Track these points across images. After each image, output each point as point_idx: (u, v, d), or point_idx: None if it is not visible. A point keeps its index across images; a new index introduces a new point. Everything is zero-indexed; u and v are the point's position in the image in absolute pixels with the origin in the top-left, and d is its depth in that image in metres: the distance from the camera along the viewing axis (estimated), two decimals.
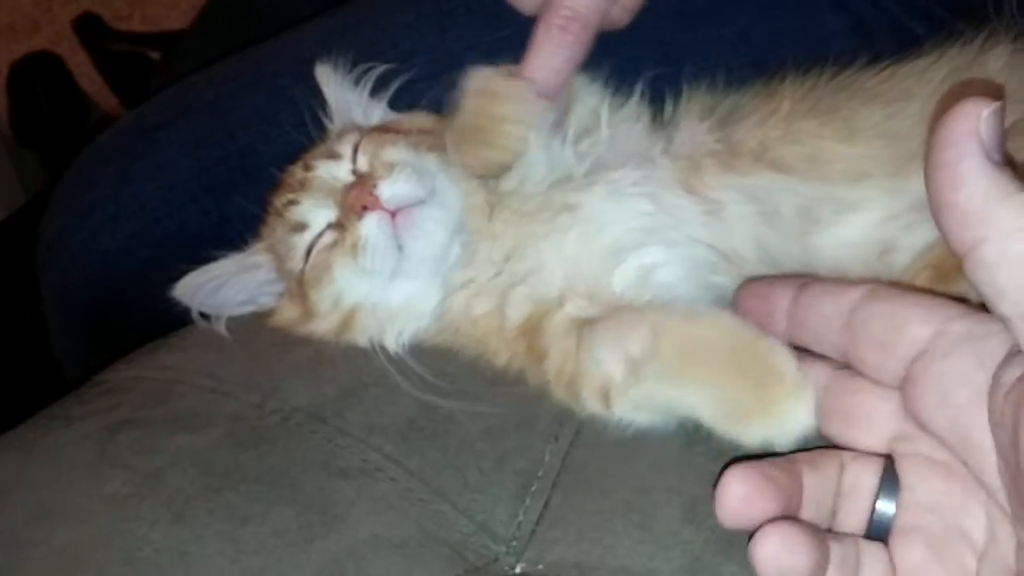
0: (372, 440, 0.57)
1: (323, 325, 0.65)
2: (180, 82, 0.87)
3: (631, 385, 0.56)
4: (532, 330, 0.61)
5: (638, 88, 0.70)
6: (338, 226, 0.64)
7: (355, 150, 0.67)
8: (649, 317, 0.56)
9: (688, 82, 0.72)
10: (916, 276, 0.59)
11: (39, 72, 2.01)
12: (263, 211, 0.72)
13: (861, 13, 0.79)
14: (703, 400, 0.54)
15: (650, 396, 0.56)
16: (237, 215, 0.79)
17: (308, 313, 0.66)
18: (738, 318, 0.54)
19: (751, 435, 0.52)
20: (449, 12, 0.81)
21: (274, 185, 0.71)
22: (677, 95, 0.71)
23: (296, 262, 0.66)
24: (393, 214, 0.62)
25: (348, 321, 0.65)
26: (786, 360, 0.51)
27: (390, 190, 0.62)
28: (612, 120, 0.68)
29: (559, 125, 0.69)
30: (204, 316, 0.68)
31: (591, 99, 0.70)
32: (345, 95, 0.73)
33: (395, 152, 0.65)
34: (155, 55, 2.04)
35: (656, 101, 0.72)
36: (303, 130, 0.75)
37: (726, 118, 0.67)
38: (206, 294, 0.68)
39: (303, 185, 0.67)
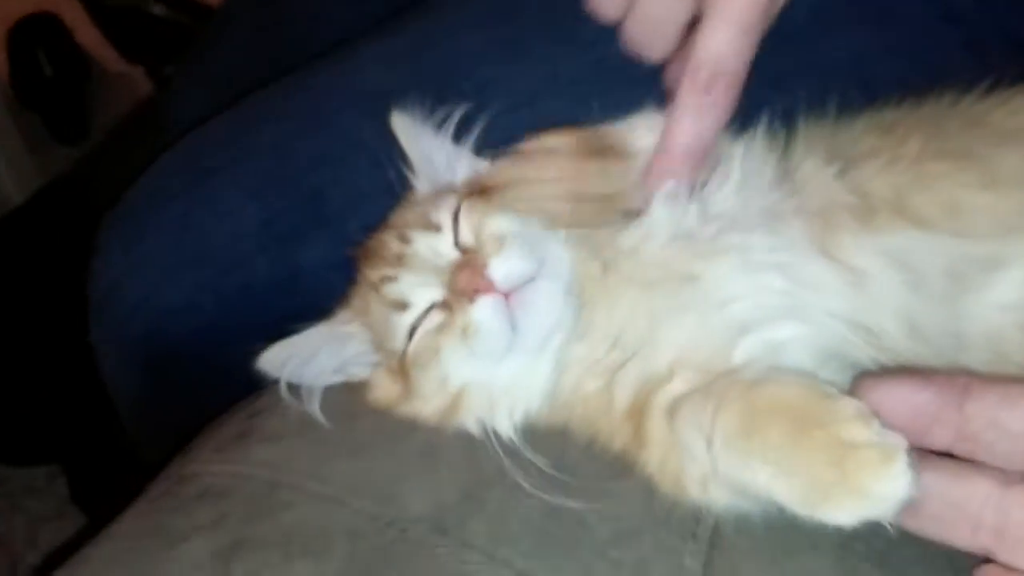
0: (500, 553, 0.54)
1: (428, 407, 0.62)
2: (230, 113, 0.81)
3: (725, 467, 0.51)
4: (639, 412, 0.57)
5: (760, 123, 0.65)
6: (444, 306, 0.60)
7: (455, 219, 0.62)
8: (715, 387, 0.52)
9: (797, 106, 0.67)
10: None
11: (40, 34, 1.94)
12: (351, 276, 0.67)
13: (975, 24, 0.73)
14: (773, 476, 0.47)
15: (726, 476, 0.51)
16: (309, 265, 0.75)
17: (410, 393, 0.62)
18: (808, 379, 0.50)
19: (842, 516, 0.45)
20: (520, 37, 0.75)
21: (362, 251, 0.67)
22: (790, 124, 0.66)
23: (398, 342, 0.62)
24: (507, 295, 0.58)
25: (456, 403, 0.61)
26: (862, 418, 0.46)
27: (503, 270, 0.58)
28: (742, 167, 0.63)
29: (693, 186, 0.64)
30: (291, 387, 0.64)
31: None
32: (426, 145, 0.68)
33: (501, 222, 0.60)
34: (156, 9, 1.96)
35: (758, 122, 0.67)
36: (375, 172, 0.70)
37: (850, 159, 0.62)
38: (295, 367, 0.64)
39: (401, 260, 0.62)
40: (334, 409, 0.64)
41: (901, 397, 0.49)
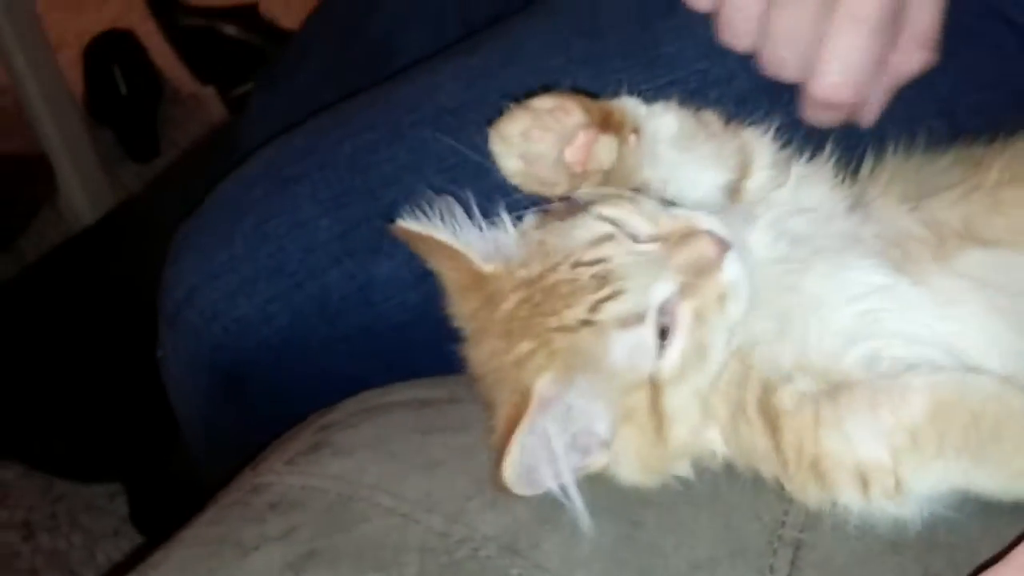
0: None
1: (680, 433, 0.55)
2: (309, 125, 0.82)
3: (904, 462, 0.52)
4: (766, 404, 0.56)
5: (827, 149, 0.64)
6: (683, 293, 0.55)
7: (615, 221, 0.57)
8: (917, 384, 0.52)
9: (874, 137, 0.66)
10: None
11: (115, 51, 1.99)
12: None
13: None
14: (1003, 475, 0.52)
15: (928, 474, 0.52)
16: (383, 279, 0.75)
17: (663, 425, 0.55)
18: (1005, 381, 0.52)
19: None
20: (603, 55, 0.75)
21: (520, 309, 0.57)
22: (864, 153, 0.65)
23: (644, 363, 0.55)
24: None
25: (705, 408, 0.56)
26: None
27: (720, 230, 0.55)
28: (801, 190, 0.62)
29: (736, 190, 0.63)
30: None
31: (770, 157, 0.64)
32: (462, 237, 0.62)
33: (651, 202, 0.58)
34: (228, 30, 2.00)
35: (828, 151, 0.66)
36: (452, 186, 0.69)
37: (925, 193, 0.61)
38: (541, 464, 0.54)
39: (607, 278, 0.55)
40: (406, 425, 0.63)
41: None
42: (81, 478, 1.55)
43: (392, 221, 0.68)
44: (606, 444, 0.55)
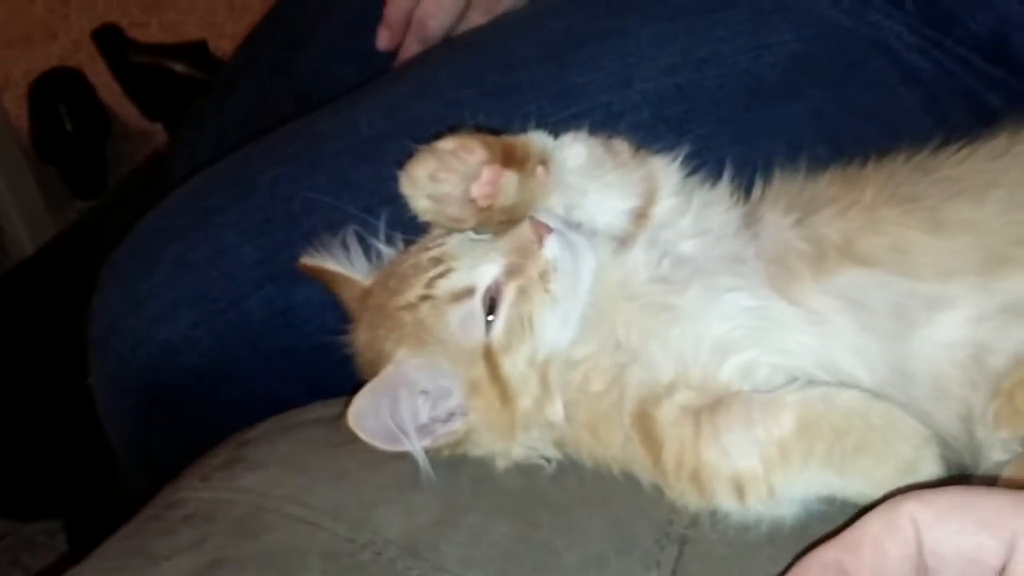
0: None
1: (527, 400, 0.61)
2: (233, 156, 0.85)
3: (775, 473, 0.56)
4: (644, 417, 0.59)
5: (725, 174, 0.68)
6: (511, 272, 0.62)
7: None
8: (788, 401, 0.56)
9: (765, 163, 0.70)
10: (1015, 389, 0.57)
11: (61, 88, 1.99)
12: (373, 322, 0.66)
13: (934, 85, 0.77)
14: (864, 485, 0.55)
15: (797, 484, 0.56)
16: (303, 303, 0.78)
17: (507, 394, 0.61)
18: (871, 396, 0.56)
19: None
20: (514, 87, 0.79)
21: (364, 295, 0.67)
22: (756, 178, 0.69)
23: (475, 333, 0.61)
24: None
25: (545, 381, 0.61)
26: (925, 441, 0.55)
27: (551, 219, 0.62)
28: (701, 215, 0.66)
29: (643, 215, 0.67)
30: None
31: (675, 185, 0.68)
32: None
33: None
34: (177, 67, 2.02)
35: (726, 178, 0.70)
36: (369, 214, 0.73)
37: (808, 208, 0.65)
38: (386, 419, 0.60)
39: (442, 258, 0.63)
40: (318, 440, 0.66)
41: None
42: (21, 516, 1.55)
43: (312, 247, 0.72)
44: (463, 412, 0.62)
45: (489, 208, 0.63)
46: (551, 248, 0.61)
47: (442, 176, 0.62)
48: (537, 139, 0.67)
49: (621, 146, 0.69)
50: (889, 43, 0.78)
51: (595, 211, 0.67)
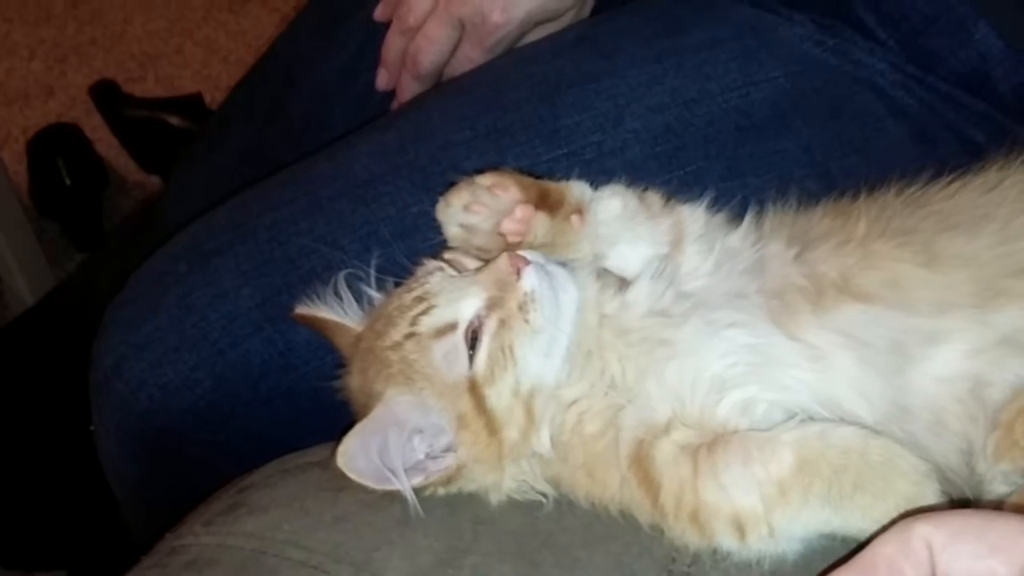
0: None
1: (513, 431, 0.61)
2: (231, 202, 0.86)
3: (774, 512, 0.56)
4: (642, 458, 0.60)
5: (724, 211, 0.69)
6: (491, 306, 0.62)
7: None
8: (786, 439, 0.56)
9: (759, 198, 0.70)
10: (1015, 421, 0.57)
11: (59, 144, 2.01)
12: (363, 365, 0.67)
13: (921, 119, 0.78)
14: (863, 522, 0.55)
15: (796, 522, 0.56)
16: (303, 344, 0.78)
17: (494, 426, 0.61)
18: (869, 433, 0.56)
19: None
20: (507, 129, 0.80)
21: (356, 340, 0.68)
22: (754, 214, 0.69)
23: (459, 367, 0.62)
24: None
25: (530, 412, 0.62)
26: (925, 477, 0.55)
27: (529, 254, 0.63)
28: (721, 257, 0.67)
29: (671, 260, 0.67)
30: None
31: (700, 230, 0.69)
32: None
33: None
34: (173, 120, 2.04)
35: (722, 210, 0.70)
36: (366, 256, 0.73)
37: (807, 241, 0.66)
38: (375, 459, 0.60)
39: (425, 297, 0.64)
40: (319, 483, 0.66)
41: None
42: (25, 567, 1.54)
43: (309, 290, 0.72)
44: (453, 449, 0.62)
45: (516, 245, 0.65)
46: (529, 280, 0.62)
47: (475, 208, 0.66)
48: (576, 188, 0.69)
49: (653, 198, 0.70)
50: (874, 80, 0.79)
51: (623, 260, 0.68)
